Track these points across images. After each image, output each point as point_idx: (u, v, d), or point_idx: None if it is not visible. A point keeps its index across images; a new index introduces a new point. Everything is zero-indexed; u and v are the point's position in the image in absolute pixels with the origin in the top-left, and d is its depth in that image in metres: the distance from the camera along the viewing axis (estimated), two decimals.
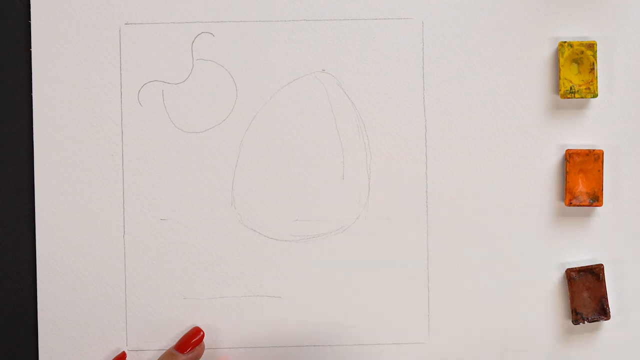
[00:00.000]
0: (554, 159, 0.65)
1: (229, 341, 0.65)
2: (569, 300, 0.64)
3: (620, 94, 0.65)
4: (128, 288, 0.64)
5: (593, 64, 0.63)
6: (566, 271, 0.64)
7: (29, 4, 0.64)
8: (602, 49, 0.64)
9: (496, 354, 0.65)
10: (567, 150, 0.63)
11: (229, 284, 0.65)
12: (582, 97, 0.63)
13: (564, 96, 0.63)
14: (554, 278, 0.65)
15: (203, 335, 0.63)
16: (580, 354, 0.65)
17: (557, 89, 0.64)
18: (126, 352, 0.64)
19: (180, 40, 0.64)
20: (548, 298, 0.65)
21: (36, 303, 0.65)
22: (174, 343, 0.65)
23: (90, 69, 0.64)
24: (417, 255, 0.65)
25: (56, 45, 0.64)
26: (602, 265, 0.63)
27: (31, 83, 0.64)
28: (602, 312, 0.64)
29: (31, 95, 0.64)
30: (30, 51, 0.64)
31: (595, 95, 0.63)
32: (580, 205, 0.63)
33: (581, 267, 0.64)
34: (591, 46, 0.63)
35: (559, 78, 0.63)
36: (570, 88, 0.63)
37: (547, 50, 0.64)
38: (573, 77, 0.63)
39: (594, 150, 0.63)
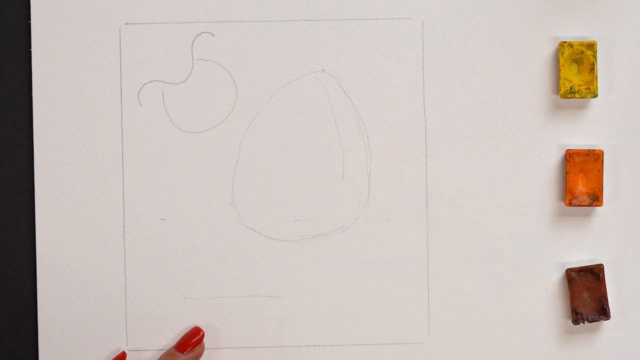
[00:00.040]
0: (554, 159, 0.65)
1: (229, 341, 0.65)
2: (569, 300, 0.64)
3: (620, 94, 0.65)
4: (128, 288, 0.64)
5: (593, 64, 0.63)
6: (566, 271, 0.64)
7: (29, 4, 0.64)
8: (602, 49, 0.64)
9: (496, 354, 0.65)
10: (567, 150, 0.63)
11: (229, 284, 0.65)
12: (582, 97, 0.63)
13: (564, 96, 0.63)
14: (554, 278, 0.65)
15: (203, 335, 0.63)
16: (580, 354, 0.65)
17: (557, 89, 0.65)
18: (126, 352, 0.64)
19: (180, 40, 0.64)
20: (548, 298, 0.65)
21: (36, 303, 0.65)
22: (174, 343, 0.65)
23: (90, 69, 0.64)
24: (417, 255, 0.65)
25: (56, 45, 0.64)
26: (602, 265, 0.63)
27: (31, 83, 0.64)
28: (602, 312, 0.64)
29: (31, 95, 0.64)
30: (30, 51, 0.64)
31: (595, 95, 0.63)
32: (580, 205, 0.63)
33: (581, 267, 0.64)
34: (591, 46, 0.63)
35: (559, 78, 0.63)
36: (570, 88, 0.63)
37: (547, 50, 0.64)
38: (573, 77, 0.63)
39: (594, 150, 0.63)
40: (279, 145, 0.65)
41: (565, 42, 0.63)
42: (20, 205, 0.65)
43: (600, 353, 0.65)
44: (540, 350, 0.65)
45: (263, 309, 0.65)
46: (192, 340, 0.63)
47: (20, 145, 0.65)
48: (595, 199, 0.63)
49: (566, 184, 0.63)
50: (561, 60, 0.63)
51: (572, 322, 0.64)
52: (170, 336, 0.65)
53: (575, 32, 0.64)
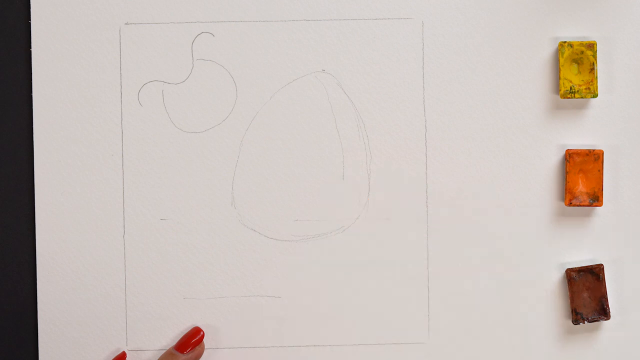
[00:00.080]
0: (554, 159, 0.65)
1: (229, 341, 0.65)
2: (569, 300, 0.64)
3: (620, 94, 0.65)
4: (128, 288, 0.64)
5: (593, 64, 0.63)
6: (566, 271, 0.64)
7: (29, 4, 0.64)
8: (602, 49, 0.64)
9: (496, 354, 0.65)
10: (567, 150, 0.63)
11: (229, 284, 0.65)
12: (582, 97, 0.63)
13: (564, 96, 0.63)
14: (554, 278, 0.65)
15: (203, 335, 0.63)
16: (580, 354, 0.65)
17: (557, 89, 0.64)
18: (126, 352, 0.64)
19: (180, 40, 0.64)
20: (548, 298, 0.65)
21: (36, 303, 0.65)
22: (174, 343, 0.65)
23: (90, 69, 0.64)
24: (417, 255, 0.65)
25: (56, 45, 0.64)
26: (602, 265, 0.63)
27: (31, 83, 0.64)
28: (602, 312, 0.64)
29: (31, 95, 0.64)
30: (30, 51, 0.64)
31: (595, 95, 0.63)
32: (580, 205, 0.63)
33: (581, 267, 0.64)
34: (591, 46, 0.63)
35: (559, 78, 0.63)
36: (570, 88, 0.63)
37: (547, 50, 0.64)
38: (573, 77, 0.63)
39: (594, 150, 0.63)
40: (279, 145, 0.65)
41: (565, 42, 0.63)
42: (20, 205, 0.65)
43: (600, 353, 0.65)
44: (540, 350, 0.65)
45: (263, 309, 0.65)
46: (192, 340, 0.63)
47: (20, 145, 0.65)
48: (595, 199, 0.63)
49: (566, 184, 0.63)
50: (561, 60, 0.63)
51: (572, 322, 0.64)
52: (170, 336, 0.65)
53: (575, 32, 0.64)
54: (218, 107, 0.65)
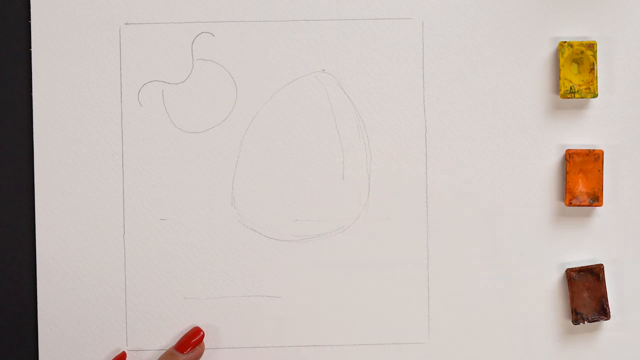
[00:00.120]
0: (554, 159, 0.65)
1: (229, 341, 0.65)
2: (569, 300, 0.64)
3: (620, 94, 0.65)
4: (128, 288, 0.64)
5: (593, 64, 0.63)
6: (566, 271, 0.64)
7: (29, 4, 0.64)
8: (602, 49, 0.64)
9: (496, 354, 0.65)
10: (567, 150, 0.63)
11: (229, 284, 0.65)
12: (582, 97, 0.63)
13: (564, 96, 0.63)
14: (554, 278, 0.65)
15: (203, 335, 0.63)
16: (580, 354, 0.65)
17: (557, 89, 0.64)
18: (126, 352, 0.64)
19: (180, 40, 0.64)
20: (548, 298, 0.65)
21: (36, 303, 0.65)
22: (174, 343, 0.64)
23: (90, 69, 0.64)
24: (417, 255, 0.65)
25: (56, 45, 0.64)
26: (602, 265, 0.63)
27: (31, 83, 0.64)
28: (602, 312, 0.64)
29: (31, 95, 0.64)
30: (30, 51, 0.64)
31: (595, 95, 0.63)
32: (580, 205, 0.63)
33: (581, 267, 0.64)
34: (591, 46, 0.63)
35: (559, 78, 0.63)
36: (570, 88, 0.63)
37: (547, 50, 0.64)
38: (573, 77, 0.63)
39: (594, 150, 0.63)
40: (279, 145, 0.65)
41: (565, 42, 0.63)
42: (20, 205, 0.65)
43: (600, 353, 0.65)
44: (540, 350, 0.65)
45: (263, 309, 0.65)
46: (192, 340, 0.63)
47: (20, 145, 0.65)
48: (595, 199, 0.63)
49: (566, 184, 0.63)
50: (561, 60, 0.63)
51: (572, 322, 0.64)
52: (170, 336, 0.65)
53: (575, 32, 0.64)
54: (218, 107, 0.65)
